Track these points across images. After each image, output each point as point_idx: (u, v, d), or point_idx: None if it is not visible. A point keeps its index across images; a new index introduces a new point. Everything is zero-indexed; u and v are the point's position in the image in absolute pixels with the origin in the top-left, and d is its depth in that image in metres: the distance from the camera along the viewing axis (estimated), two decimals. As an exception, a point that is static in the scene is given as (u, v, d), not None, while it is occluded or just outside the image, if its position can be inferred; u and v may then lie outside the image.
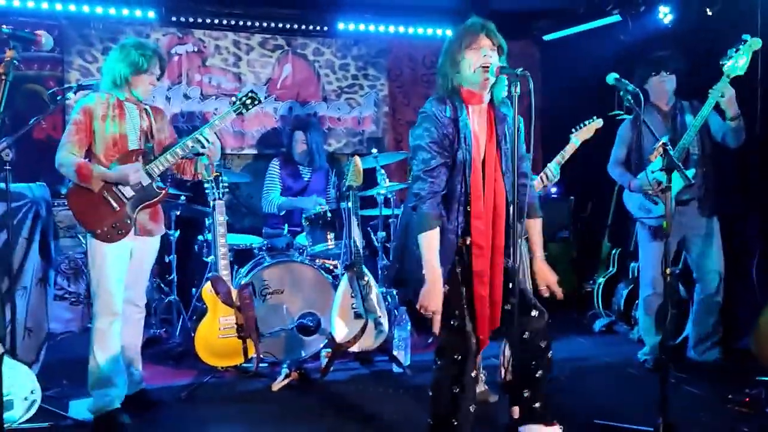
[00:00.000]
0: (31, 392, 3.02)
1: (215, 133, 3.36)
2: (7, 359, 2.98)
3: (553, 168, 3.65)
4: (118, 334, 3.25)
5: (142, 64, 3.23)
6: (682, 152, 3.67)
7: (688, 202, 3.85)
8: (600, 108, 4.12)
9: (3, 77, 1.89)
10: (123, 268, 3.24)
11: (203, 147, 3.31)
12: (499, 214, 2.57)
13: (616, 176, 4.13)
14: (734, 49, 3.42)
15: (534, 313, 2.62)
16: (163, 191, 3.34)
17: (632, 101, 2.95)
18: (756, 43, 3.40)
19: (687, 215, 3.86)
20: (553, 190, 5.92)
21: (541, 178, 3.62)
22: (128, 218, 3.21)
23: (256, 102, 3.46)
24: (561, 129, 3.69)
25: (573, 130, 3.62)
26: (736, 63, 3.41)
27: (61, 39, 5.18)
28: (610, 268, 5.16)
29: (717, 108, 3.61)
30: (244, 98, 3.43)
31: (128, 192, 3.22)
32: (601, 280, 5.14)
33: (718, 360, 3.97)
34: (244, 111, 3.45)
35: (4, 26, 1.96)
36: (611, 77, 3.05)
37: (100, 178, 3.15)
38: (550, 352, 2.69)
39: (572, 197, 5.94)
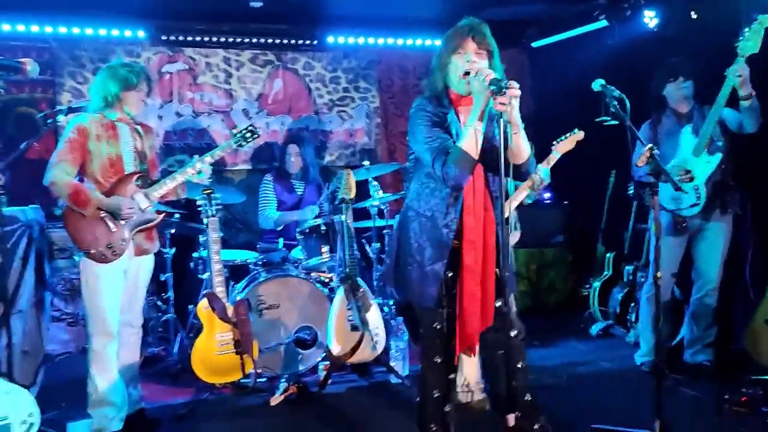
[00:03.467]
0: (30, 415, 3.01)
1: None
2: (4, 382, 2.98)
3: (542, 172, 3.63)
4: (114, 354, 3.25)
5: (131, 80, 3.27)
6: (706, 141, 3.69)
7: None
8: (589, 114, 4.16)
9: (-9, 104, 1.91)
10: (117, 289, 3.25)
11: (201, 175, 3.40)
12: (488, 209, 2.58)
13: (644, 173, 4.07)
14: (746, 29, 3.41)
15: (513, 332, 2.63)
16: (161, 216, 3.38)
17: (618, 107, 2.98)
18: (766, 19, 3.38)
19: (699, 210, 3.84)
20: (546, 195, 5.94)
21: (532, 179, 3.58)
22: (123, 240, 3.22)
23: (256, 136, 3.65)
24: (551, 135, 3.70)
25: (554, 142, 3.61)
26: (749, 41, 3.40)
27: (52, 61, 5.21)
28: (605, 272, 5.18)
29: (729, 103, 3.61)
30: (244, 131, 3.59)
31: None
32: (597, 284, 5.15)
33: (710, 362, 3.97)
34: (243, 144, 3.60)
35: (-12, 56, 1.98)
36: (597, 84, 3.08)
37: (95, 205, 3.16)
38: (526, 372, 2.72)
39: (566, 202, 5.97)
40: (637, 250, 4.84)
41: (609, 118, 3.74)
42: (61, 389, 3.84)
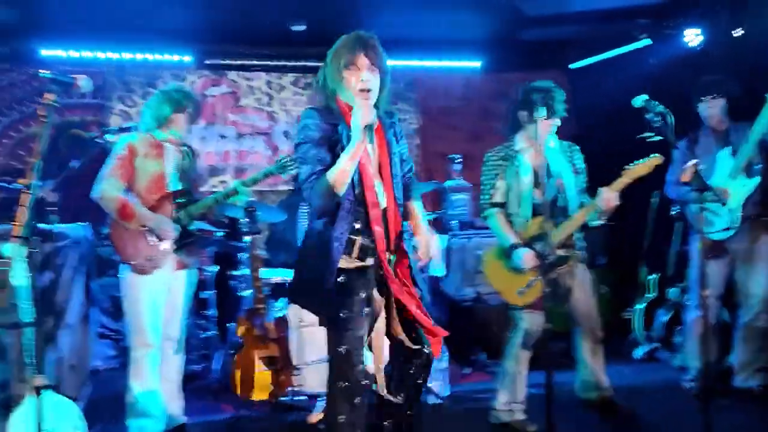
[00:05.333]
0: (75, 428, 3.07)
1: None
2: (52, 394, 3.05)
3: (606, 196, 3.32)
4: (154, 366, 3.31)
5: (182, 103, 3.40)
6: (744, 163, 3.62)
7: (745, 220, 3.73)
8: (631, 134, 4.10)
9: (44, 119, 1.98)
10: (158, 302, 3.32)
11: (241, 197, 3.47)
12: (392, 217, 2.54)
13: (681, 194, 3.98)
14: None
15: (426, 350, 2.58)
16: (201, 233, 3.45)
17: (661, 122, 2.94)
18: None
19: (738, 233, 3.76)
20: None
21: (595, 204, 3.34)
22: (163, 254, 3.30)
23: (296, 166, 3.64)
24: (593, 157, 3.66)
25: (626, 166, 3.46)
26: None
27: (103, 86, 5.40)
28: (649, 294, 5.07)
29: None
30: (286, 160, 3.60)
31: None
32: (640, 306, 5.04)
33: (763, 387, 3.84)
34: (283, 172, 3.63)
35: (43, 71, 2.06)
36: (639, 100, 3.05)
37: (139, 220, 3.25)
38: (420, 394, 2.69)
39: (608, 223, 5.86)
40: (682, 272, 4.72)
41: (652, 134, 3.68)
42: (106, 403, 3.91)
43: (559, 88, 3.35)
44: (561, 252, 3.35)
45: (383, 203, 2.52)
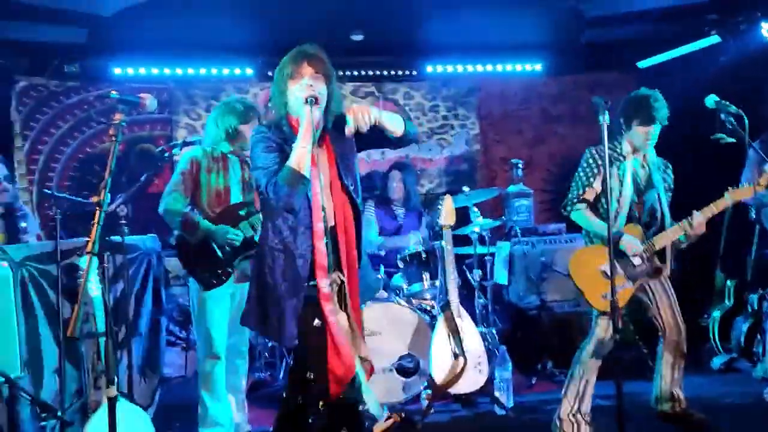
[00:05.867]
0: (146, 435, 3.16)
1: None
2: (125, 402, 3.15)
3: (697, 220, 3.24)
4: (222, 376, 3.37)
5: (247, 114, 3.46)
6: None
7: None
8: (702, 134, 3.94)
9: (113, 139, 2.06)
10: (224, 313, 3.38)
11: None
12: (344, 232, 2.53)
13: (757, 198, 3.82)
14: None
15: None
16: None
17: (735, 123, 2.81)
18: None
19: None
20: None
21: (683, 226, 3.25)
22: (230, 266, 3.35)
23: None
24: (662, 157, 3.53)
25: (729, 188, 3.32)
26: None
27: (170, 100, 5.58)
28: (726, 302, 4.84)
29: None
30: None
31: None
32: (717, 314, 4.82)
33: None
34: None
35: (113, 92, 2.14)
36: (711, 99, 2.94)
37: (202, 233, 3.31)
38: None
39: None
40: (762, 278, 4.50)
41: (725, 136, 3.52)
42: (176, 411, 4.01)
43: (661, 99, 3.27)
44: (653, 262, 3.27)
45: (331, 220, 2.51)
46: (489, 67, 6.09)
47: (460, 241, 4.65)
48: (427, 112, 6.06)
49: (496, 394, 3.99)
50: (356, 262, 2.57)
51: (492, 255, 4.97)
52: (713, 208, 3.24)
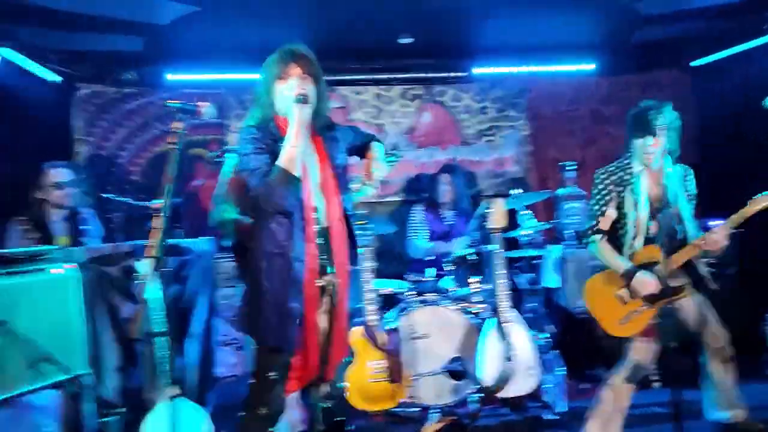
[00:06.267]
0: (204, 432, 3.24)
1: None
2: (184, 401, 3.24)
3: (716, 234, 2.99)
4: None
5: None
6: None
7: None
8: (760, 135, 3.82)
9: (174, 147, 2.12)
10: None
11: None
12: (336, 235, 2.53)
13: None
14: None
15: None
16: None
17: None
18: None
19: None
20: (712, 224, 5.48)
21: (699, 243, 3.02)
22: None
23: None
24: (717, 161, 3.43)
25: (754, 197, 3.06)
26: None
27: (222, 106, 5.70)
28: (788, 307, 4.66)
29: None
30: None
31: None
32: (778, 320, 4.65)
33: None
34: None
35: (170, 101, 2.21)
36: None
37: None
38: None
39: (740, 230, 5.46)
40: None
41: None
42: (230, 410, 4.08)
43: (662, 108, 3.07)
44: (673, 282, 3.08)
45: (323, 221, 2.51)
46: (539, 68, 6.02)
47: (509, 244, 4.61)
48: (476, 114, 6.03)
49: (546, 398, 3.94)
50: (348, 263, 2.59)
51: (542, 258, 4.91)
52: (731, 222, 3.00)
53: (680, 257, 3.07)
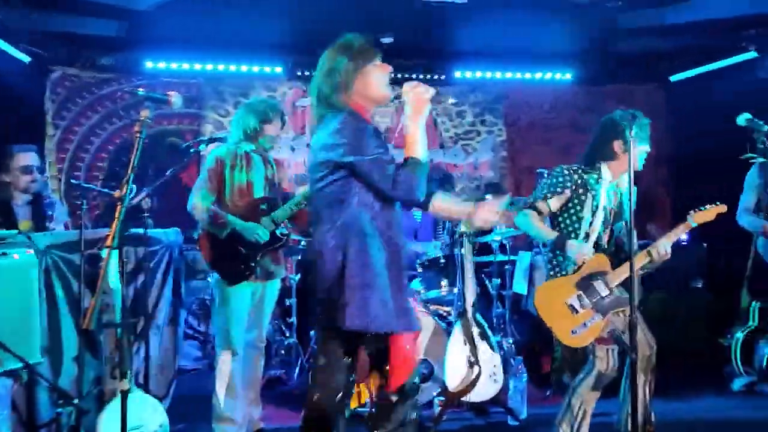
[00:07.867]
0: (160, 426, 3.20)
1: None
2: (140, 393, 3.20)
3: (662, 246, 3.07)
4: (238, 372, 3.39)
5: (268, 115, 3.50)
6: None
7: None
8: (732, 152, 3.87)
9: (138, 135, 2.09)
10: (244, 309, 3.41)
11: None
12: None
13: (747, 224, 3.83)
14: None
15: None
16: (286, 237, 3.51)
17: (766, 142, 2.76)
18: None
19: None
20: (684, 237, 5.56)
21: (648, 252, 3.08)
22: (253, 261, 3.38)
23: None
24: (690, 174, 3.48)
25: (692, 211, 3.24)
26: None
27: (198, 96, 5.64)
28: (750, 323, 4.74)
29: None
30: None
31: None
32: (740, 335, 4.71)
33: None
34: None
35: (140, 89, 2.18)
36: (742, 118, 2.89)
37: (231, 230, 3.36)
38: None
39: (705, 244, 5.56)
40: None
41: (756, 155, 3.45)
42: (191, 403, 4.04)
43: (635, 119, 2.96)
44: (618, 293, 3.07)
45: None
46: (518, 75, 6.05)
47: (480, 249, 4.63)
48: (454, 117, 6.04)
49: (510, 404, 3.96)
50: None
51: (512, 264, 4.93)
52: (674, 234, 3.06)
53: (627, 268, 3.01)
